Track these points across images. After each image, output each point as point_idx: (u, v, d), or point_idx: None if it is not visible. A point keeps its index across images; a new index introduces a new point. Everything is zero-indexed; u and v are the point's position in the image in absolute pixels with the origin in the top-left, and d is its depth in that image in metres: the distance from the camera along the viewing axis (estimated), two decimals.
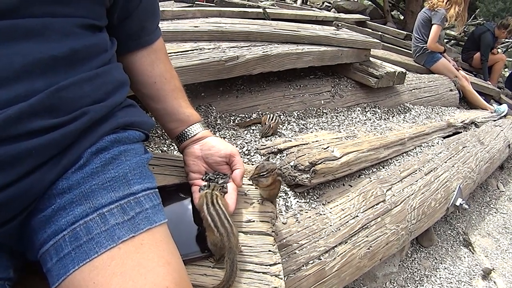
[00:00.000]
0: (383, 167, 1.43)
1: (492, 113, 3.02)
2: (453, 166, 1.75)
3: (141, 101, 0.70)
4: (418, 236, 1.79)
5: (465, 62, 4.54)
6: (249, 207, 0.73)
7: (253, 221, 0.71)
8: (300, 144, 1.22)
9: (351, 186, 1.22)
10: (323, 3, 6.49)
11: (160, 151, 1.16)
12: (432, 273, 1.73)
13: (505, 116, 3.05)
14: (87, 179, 0.46)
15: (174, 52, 1.28)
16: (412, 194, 1.37)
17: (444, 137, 2.04)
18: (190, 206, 0.68)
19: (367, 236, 1.10)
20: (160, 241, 0.47)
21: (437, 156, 1.74)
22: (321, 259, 0.98)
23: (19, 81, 0.40)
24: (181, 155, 0.73)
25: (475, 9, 8.04)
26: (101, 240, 0.43)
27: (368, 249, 1.11)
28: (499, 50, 4.74)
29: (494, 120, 2.86)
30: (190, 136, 0.69)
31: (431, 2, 3.27)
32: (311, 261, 0.95)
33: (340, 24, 2.10)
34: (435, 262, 1.80)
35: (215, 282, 0.58)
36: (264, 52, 1.48)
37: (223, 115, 1.47)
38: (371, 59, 2.15)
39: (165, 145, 1.20)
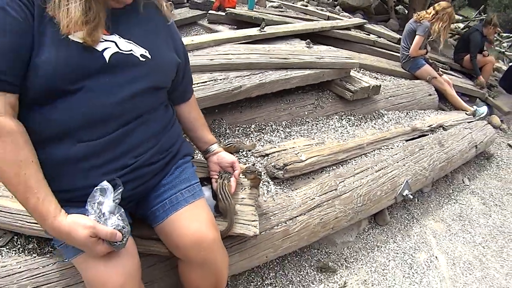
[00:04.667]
0: (342, 166, 1.94)
1: (469, 115, 3.23)
2: (404, 165, 2.11)
3: (184, 132, 1.30)
4: (376, 216, 2.17)
5: (457, 63, 4.85)
6: (242, 191, 1.28)
7: (244, 198, 1.30)
8: (280, 150, 1.80)
9: (314, 179, 1.79)
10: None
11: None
12: (383, 245, 1.99)
13: (484, 117, 3.23)
14: (174, 179, 1.05)
15: (196, 83, 1.84)
16: (360, 186, 1.84)
17: (408, 140, 2.39)
18: (210, 190, 1.29)
19: (320, 212, 1.68)
20: (204, 205, 1.07)
21: (391, 157, 2.04)
22: (287, 224, 1.57)
23: (147, 143, 0.98)
24: (205, 160, 1.32)
25: (484, 2, 8.03)
26: (181, 202, 1.02)
27: (321, 220, 1.69)
28: (489, 52, 4.97)
29: (469, 122, 2.98)
30: (211, 151, 1.27)
31: (419, 15, 3.68)
32: (280, 224, 1.54)
33: (311, 43, 2.61)
34: (387, 237, 2.05)
35: (222, 229, 1.18)
36: (260, 80, 2.02)
37: (230, 126, 2.04)
38: (353, 72, 2.57)
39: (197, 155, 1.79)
